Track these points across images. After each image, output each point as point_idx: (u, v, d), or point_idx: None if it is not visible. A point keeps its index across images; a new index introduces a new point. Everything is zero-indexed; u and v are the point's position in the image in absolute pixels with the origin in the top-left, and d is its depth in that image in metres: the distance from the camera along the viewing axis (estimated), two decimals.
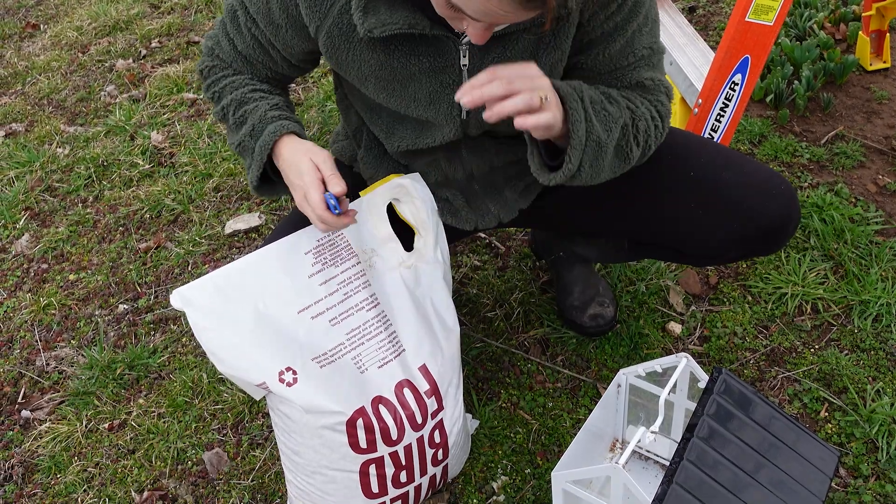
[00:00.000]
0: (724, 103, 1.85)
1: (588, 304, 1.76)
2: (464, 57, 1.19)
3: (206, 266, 2.14)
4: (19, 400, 1.86)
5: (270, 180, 1.32)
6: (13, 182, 2.57)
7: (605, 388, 1.67)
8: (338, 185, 1.17)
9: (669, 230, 1.41)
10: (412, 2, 1.13)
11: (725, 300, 1.85)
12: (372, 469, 1.32)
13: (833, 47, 2.49)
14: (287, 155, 1.24)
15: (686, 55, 2.08)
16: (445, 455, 1.41)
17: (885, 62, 2.49)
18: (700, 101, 1.87)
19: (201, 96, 2.87)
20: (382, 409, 1.28)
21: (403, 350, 1.33)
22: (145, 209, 2.36)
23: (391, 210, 1.39)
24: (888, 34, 2.45)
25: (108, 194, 2.45)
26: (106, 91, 3.02)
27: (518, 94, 1.03)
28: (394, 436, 1.30)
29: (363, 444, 1.28)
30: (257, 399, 1.33)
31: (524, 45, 1.19)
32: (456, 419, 1.41)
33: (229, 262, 2.10)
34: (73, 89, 3.08)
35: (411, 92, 1.25)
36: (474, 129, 1.30)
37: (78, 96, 3.02)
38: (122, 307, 2.05)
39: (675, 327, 1.80)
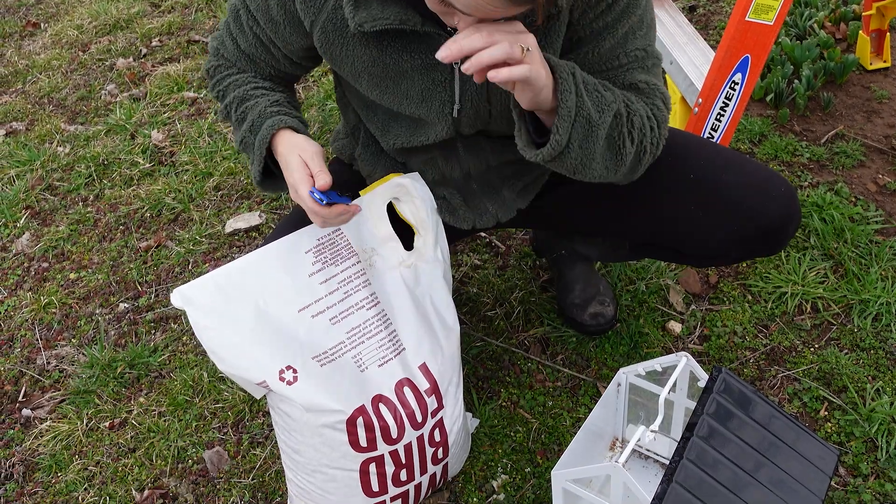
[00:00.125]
0: (724, 102, 1.85)
1: (588, 302, 1.76)
2: None
3: (207, 265, 2.14)
4: (20, 398, 1.86)
5: (274, 175, 1.33)
6: (14, 181, 2.57)
7: (605, 387, 1.67)
8: (321, 180, 1.18)
9: (669, 230, 1.41)
10: None
11: (725, 299, 1.85)
12: (372, 467, 1.32)
13: (833, 46, 2.49)
14: (282, 150, 1.25)
15: (686, 54, 2.08)
16: (445, 454, 1.42)
17: (885, 61, 2.49)
18: (700, 100, 1.87)
19: (202, 95, 2.87)
20: (382, 408, 1.28)
21: (403, 349, 1.33)
22: (146, 208, 2.36)
23: (391, 209, 1.40)
24: (888, 33, 2.45)
25: (109, 193, 2.45)
26: (106, 90, 3.03)
27: (497, 44, 0.99)
28: (394, 434, 1.30)
29: (363, 442, 1.28)
30: (258, 398, 1.34)
31: None
32: (456, 418, 1.41)
33: (230, 260, 2.10)
34: (74, 88, 3.09)
35: (403, 89, 1.25)
36: (467, 127, 1.30)
37: (78, 95, 3.02)
38: (122, 306, 2.06)
39: (675, 326, 1.80)
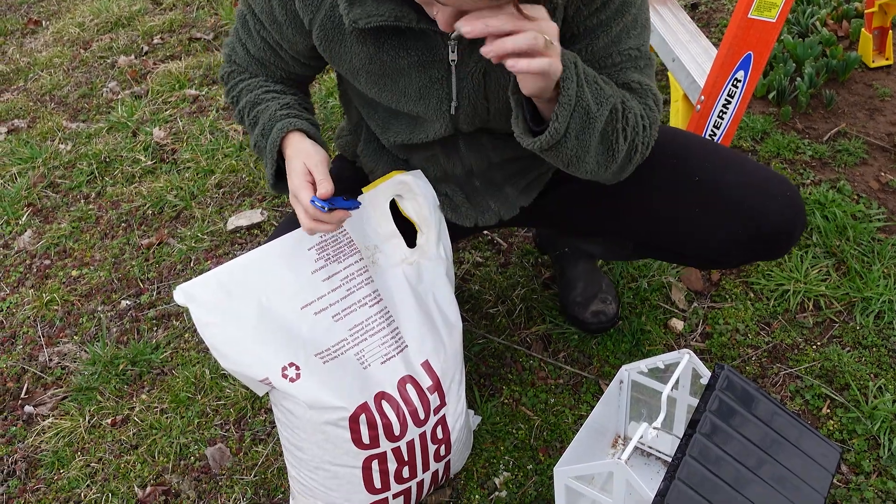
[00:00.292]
0: (726, 100, 1.85)
1: (590, 300, 1.76)
2: (452, 52, 1.19)
3: (209, 262, 2.14)
4: (22, 395, 1.86)
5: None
6: (16, 178, 2.57)
7: (607, 385, 1.67)
8: (322, 188, 1.18)
9: (670, 231, 1.41)
10: None
11: (727, 297, 1.85)
12: (374, 464, 1.32)
13: (835, 44, 2.49)
14: (288, 153, 1.26)
15: (688, 52, 2.08)
16: (448, 451, 1.42)
17: (887, 59, 2.48)
18: (703, 97, 1.87)
19: (203, 92, 2.87)
20: (385, 405, 1.28)
21: (406, 346, 1.33)
22: (147, 205, 2.36)
23: (394, 206, 1.40)
24: (891, 31, 2.45)
25: (111, 190, 2.45)
26: (108, 87, 3.03)
27: (523, 32, 0.95)
28: (396, 431, 1.30)
29: (366, 439, 1.28)
30: (260, 395, 1.34)
31: None
32: (458, 415, 1.41)
33: (231, 258, 2.10)
34: (76, 85, 3.09)
35: (401, 87, 1.25)
36: (465, 124, 1.30)
37: (80, 93, 3.02)
38: (124, 303, 2.06)
39: (677, 324, 1.80)
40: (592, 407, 1.64)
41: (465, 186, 1.45)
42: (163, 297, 2.06)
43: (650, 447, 1.53)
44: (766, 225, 1.32)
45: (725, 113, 1.88)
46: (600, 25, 1.18)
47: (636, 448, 1.53)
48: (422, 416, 1.32)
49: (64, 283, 2.15)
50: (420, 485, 1.42)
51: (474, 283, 1.97)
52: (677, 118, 2.10)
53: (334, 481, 1.34)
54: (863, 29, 2.47)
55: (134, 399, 1.80)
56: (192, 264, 2.14)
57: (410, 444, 1.33)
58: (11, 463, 1.71)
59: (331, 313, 1.29)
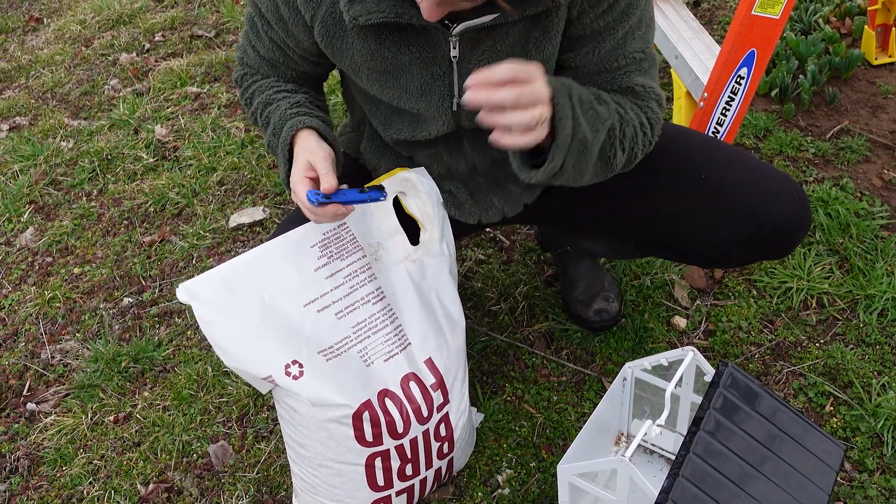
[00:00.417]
0: (729, 97, 1.85)
1: (593, 298, 1.76)
2: (454, 48, 1.19)
3: (211, 259, 2.14)
4: (24, 392, 1.86)
5: None
6: (17, 175, 2.57)
7: (610, 382, 1.67)
8: (325, 183, 1.18)
9: (673, 229, 1.40)
10: None
11: (730, 294, 1.85)
12: (378, 462, 1.32)
13: (838, 41, 2.49)
14: (295, 151, 1.26)
15: (691, 49, 2.08)
16: (451, 448, 1.41)
17: (890, 56, 2.48)
18: (706, 94, 1.86)
19: (205, 90, 2.87)
20: (388, 403, 1.28)
21: (409, 343, 1.33)
22: (149, 203, 2.36)
23: (397, 204, 1.39)
24: (894, 28, 2.44)
25: (113, 188, 2.45)
26: (110, 85, 3.02)
27: (520, 110, 0.98)
28: (400, 429, 1.30)
29: (369, 437, 1.28)
30: (263, 393, 1.34)
31: (514, 39, 1.19)
32: (461, 412, 1.41)
33: (233, 255, 2.10)
34: (77, 83, 3.08)
35: (403, 84, 1.25)
36: (467, 121, 1.30)
37: (82, 90, 3.02)
38: (126, 300, 2.06)
39: (680, 322, 1.80)
40: (595, 404, 1.64)
41: (468, 184, 1.44)
42: (165, 294, 2.06)
43: (653, 444, 1.53)
44: (767, 224, 1.32)
45: (728, 110, 1.88)
46: (607, 28, 1.19)
47: (639, 445, 1.53)
48: (425, 413, 1.32)
49: (66, 280, 2.15)
50: (423, 482, 1.42)
51: (477, 280, 1.97)
52: (680, 115, 2.09)
53: (337, 479, 1.34)
54: (866, 26, 2.46)
55: (136, 396, 1.80)
56: (194, 262, 2.14)
57: (414, 442, 1.33)
58: (14, 460, 1.71)
59: (334, 311, 1.29)
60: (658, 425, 1.22)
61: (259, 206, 2.28)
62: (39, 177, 2.54)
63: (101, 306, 2.05)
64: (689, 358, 1.32)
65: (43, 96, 3.04)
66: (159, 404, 1.77)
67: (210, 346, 1.86)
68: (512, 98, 0.97)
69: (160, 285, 2.09)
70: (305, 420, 1.27)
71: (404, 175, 1.37)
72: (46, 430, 1.75)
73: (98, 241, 2.26)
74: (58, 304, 2.08)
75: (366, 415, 1.26)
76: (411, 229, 1.39)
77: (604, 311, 1.74)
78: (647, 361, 1.38)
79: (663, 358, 1.36)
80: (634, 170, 1.37)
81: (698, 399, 1.39)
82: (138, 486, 1.62)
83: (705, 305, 1.83)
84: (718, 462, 1.16)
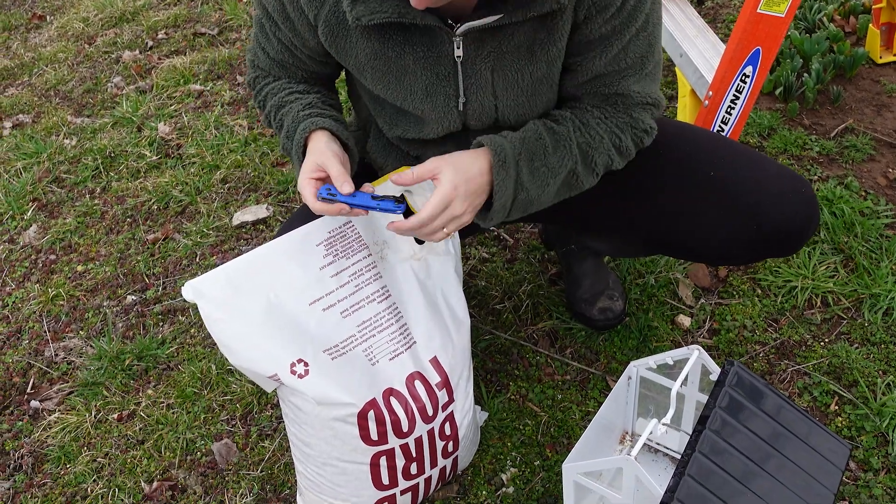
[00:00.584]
0: (734, 95, 1.84)
1: (597, 297, 1.75)
2: (458, 48, 1.19)
3: (214, 257, 2.14)
4: (28, 390, 1.86)
5: None
6: (21, 173, 2.57)
7: (614, 381, 1.67)
8: (345, 189, 1.20)
9: (681, 228, 1.40)
10: None
11: (735, 293, 1.85)
12: (383, 461, 1.32)
13: (843, 40, 2.48)
14: (307, 153, 1.26)
15: (696, 47, 2.07)
16: (455, 447, 1.41)
17: (895, 55, 2.47)
18: (711, 92, 1.86)
19: (208, 88, 2.87)
20: (394, 401, 1.28)
21: (414, 342, 1.33)
22: (153, 200, 2.36)
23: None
24: None
25: (116, 185, 2.45)
26: (113, 82, 3.02)
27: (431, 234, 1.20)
28: (405, 428, 1.30)
29: (374, 435, 1.28)
30: (269, 391, 1.34)
31: (519, 41, 1.19)
32: (466, 411, 1.41)
33: (237, 253, 2.10)
34: (80, 80, 3.08)
35: (407, 84, 1.25)
36: (474, 120, 1.29)
37: (85, 87, 3.02)
38: (130, 298, 2.06)
39: (685, 320, 1.79)
40: (599, 403, 1.63)
41: None
42: (168, 292, 2.06)
43: (658, 443, 1.52)
44: (767, 224, 1.32)
45: (733, 108, 1.87)
46: (614, 33, 1.18)
47: (644, 444, 1.52)
48: (430, 412, 1.32)
49: (69, 278, 2.15)
50: (428, 481, 1.41)
51: (480, 278, 1.96)
52: (684, 113, 2.09)
53: (342, 477, 1.34)
54: (870, 25, 2.46)
55: (140, 394, 1.80)
56: (197, 259, 2.14)
57: (418, 441, 1.33)
58: (18, 457, 1.71)
59: (339, 309, 1.28)
60: (663, 424, 1.21)
61: (263, 204, 2.28)
62: (43, 174, 2.54)
63: (105, 304, 2.05)
64: (695, 356, 1.31)
65: (46, 94, 3.04)
66: (163, 402, 1.77)
67: (214, 344, 1.86)
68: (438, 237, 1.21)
69: (164, 283, 2.09)
70: (310, 419, 1.27)
71: None
72: (50, 428, 1.75)
73: (101, 239, 2.26)
74: (61, 302, 2.08)
75: (371, 413, 1.26)
76: None
77: (608, 309, 1.74)
78: (653, 360, 1.38)
79: (668, 357, 1.36)
80: (639, 168, 1.37)
81: (703, 398, 1.39)
82: (142, 483, 1.62)
83: (710, 304, 1.83)
84: (724, 461, 1.16)
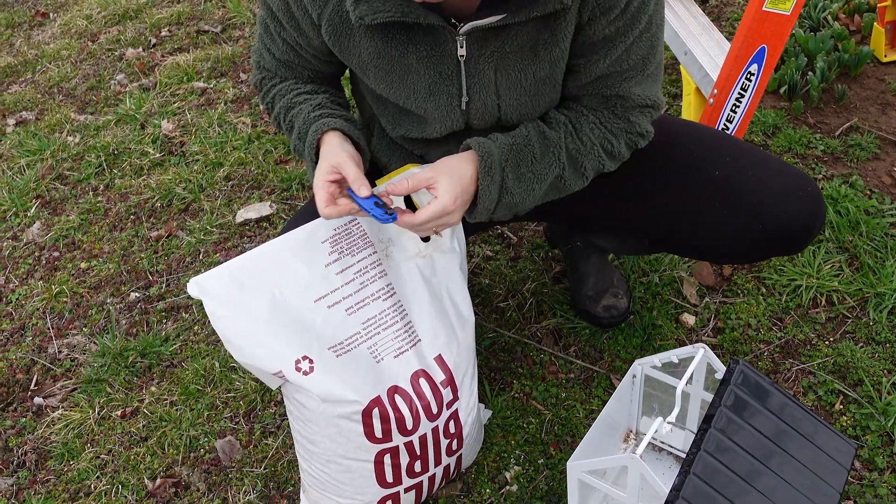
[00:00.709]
0: (739, 93, 1.84)
1: (602, 294, 1.75)
2: (461, 48, 1.19)
3: (218, 255, 2.14)
4: (32, 387, 1.86)
5: None
6: (24, 170, 2.57)
7: (618, 379, 1.67)
8: (361, 193, 1.20)
9: (686, 227, 1.40)
10: None
11: (739, 292, 1.84)
12: (387, 459, 1.32)
13: (847, 38, 2.47)
14: (321, 155, 1.26)
15: (701, 45, 2.07)
16: (460, 445, 1.41)
17: None
18: (716, 91, 1.85)
19: (211, 85, 2.87)
20: (398, 399, 1.28)
21: (419, 340, 1.33)
22: (156, 198, 2.35)
23: (408, 199, 1.39)
24: None
25: (119, 183, 2.45)
26: (116, 80, 3.02)
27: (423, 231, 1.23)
28: (409, 426, 1.29)
29: (378, 433, 1.28)
30: (273, 388, 1.33)
31: (523, 40, 1.19)
32: (471, 409, 1.41)
33: (240, 251, 2.10)
34: (83, 78, 3.08)
35: (410, 83, 1.24)
36: (477, 119, 1.29)
37: (88, 85, 3.02)
38: (133, 295, 2.05)
39: (689, 319, 1.79)
40: (603, 401, 1.63)
41: None
42: (172, 289, 2.06)
43: (662, 442, 1.52)
44: (771, 223, 1.31)
45: (738, 107, 1.87)
46: (617, 34, 1.18)
47: (648, 443, 1.52)
48: (434, 410, 1.31)
49: (73, 274, 2.15)
50: (432, 479, 1.41)
51: (484, 276, 1.96)
52: (689, 111, 2.08)
53: (346, 475, 1.33)
54: (875, 23, 2.45)
55: (143, 391, 1.80)
56: (200, 257, 2.14)
57: (423, 439, 1.33)
58: (21, 454, 1.71)
59: (344, 307, 1.28)
60: (669, 422, 1.21)
61: (266, 202, 2.27)
62: (46, 171, 2.54)
63: (108, 301, 2.05)
64: (701, 355, 1.31)
65: (49, 91, 3.04)
66: (166, 399, 1.77)
67: (217, 341, 1.86)
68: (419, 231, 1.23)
69: (167, 280, 2.09)
70: (315, 416, 1.27)
71: (415, 171, 1.36)
72: (54, 425, 1.75)
73: (105, 236, 2.26)
74: (65, 299, 2.08)
75: (375, 411, 1.26)
76: None
77: (613, 307, 1.74)
78: (658, 358, 1.38)
79: (674, 355, 1.35)
80: (643, 167, 1.37)
81: (708, 396, 1.38)
82: (146, 480, 1.62)
83: (714, 303, 1.83)
84: (729, 460, 1.16)
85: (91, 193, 2.43)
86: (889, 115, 2.29)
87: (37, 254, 2.24)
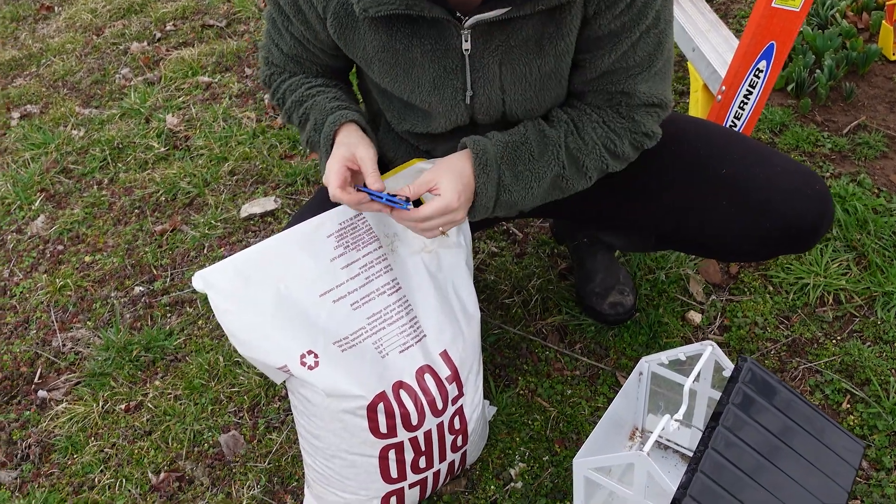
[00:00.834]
0: (748, 90, 1.83)
1: (608, 291, 1.74)
2: (466, 42, 1.18)
3: (222, 249, 2.13)
4: (36, 380, 1.86)
5: None
6: (29, 163, 2.56)
7: (624, 377, 1.66)
8: (376, 187, 1.20)
9: (693, 224, 1.39)
10: None
11: (746, 290, 1.83)
12: (391, 454, 1.31)
13: (855, 36, 2.46)
14: (336, 143, 1.26)
15: (709, 41, 2.06)
16: (465, 441, 1.40)
17: None
18: (724, 88, 1.84)
19: (216, 79, 2.86)
20: (403, 395, 1.27)
21: (425, 335, 1.32)
22: (161, 192, 2.35)
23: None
24: None
25: (124, 177, 2.45)
26: (121, 74, 3.02)
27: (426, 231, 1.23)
28: (414, 421, 1.29)
29: (383, 428, 1.27)
30: (277, 383, 1.33)
31: (528, 34, 1.18)
32: (476, 406, 1.40)
33: (245, 245, 2.09)
34: (88, 72, 3.08)
35: (414, 77, 1.24)
36: (481, 114, 1.28)
37: (93, 79, 3.01)
38: (137, 289, 2.05)
39: (695, 316, 1.78)
40: (609, 399, 1.63)
41: None
42: (176, 283, 2.05)
43: (668, 440, 1.51)
44: (778, 220, 1.30)
45: (746, 104, 1.86)
46: (623, 29, 1.17)
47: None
48: (440, 406, 1.31)
49: (77, 268, 2.15)
50: (436, 475, 1.41)
51: (489, 272, 1.95)
52: (697, 108, 2.07)
53: (351, 470, 1.33)
54: (883, 21, 2.44)
55: (147, 385, 1.80)
56: (205, 251, 2.13)
57: (428, 435, 1.32)
58: (25, 447, 1.70)
59: (349, 301, 1.28)
60: (676, 420, 1.20)
61: (270, 197, 2.27)
62: (50, 165, 2.53)
63: (113, 295, 2.05)
64: (708, 352, 1.30)
65: (54, 84, 3.04)
66: (170, 393, 1.77)
67: (221, 336, 1.86)
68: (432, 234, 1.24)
69: (171, 274, 2.08)
70: (320, 411, 1.26)
71: (421, 166, 1.36)
72: (58, 418, 1.75)
73: (109, 230, 2.26)
74: (69, 293, 2.07)
75: (380, 406, 1.25)
76: None
77: (619, 304, 1.73)
78: (664, 356, 1.37)
79: (681, 352, 1.34)
80: (650, 164, 1.36)
81: (715, 394, 1.38)
82: (149, 474, 1.61)
83: (720, 300, 1.82)
84: (737, 457, 1.15)
85: (95, 187, 2.43)
86: None
87: (41, 247, 2.24)
